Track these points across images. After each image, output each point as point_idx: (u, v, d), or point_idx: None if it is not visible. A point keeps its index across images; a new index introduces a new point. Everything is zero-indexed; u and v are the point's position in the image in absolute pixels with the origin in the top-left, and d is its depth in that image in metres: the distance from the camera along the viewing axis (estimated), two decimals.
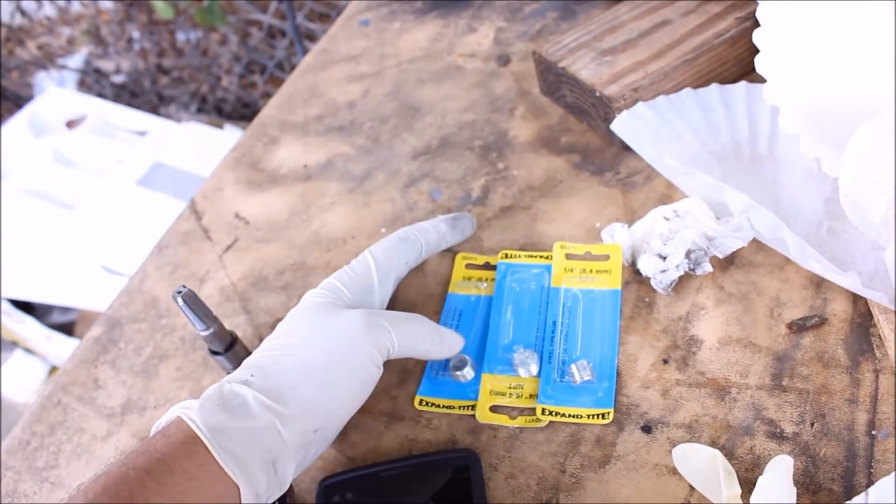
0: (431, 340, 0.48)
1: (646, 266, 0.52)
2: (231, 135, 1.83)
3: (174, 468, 0.38)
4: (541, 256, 0.56)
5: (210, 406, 0.41)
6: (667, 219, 0.52)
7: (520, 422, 0.47)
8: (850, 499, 0.38)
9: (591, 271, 0.53)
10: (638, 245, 0.53)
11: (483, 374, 0.50)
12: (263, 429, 0.41)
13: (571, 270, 0.54)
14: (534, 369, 0.49)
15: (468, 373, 0.50)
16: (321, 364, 0.44)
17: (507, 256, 0.56)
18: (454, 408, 0.49)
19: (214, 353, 0.52)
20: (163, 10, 1.77)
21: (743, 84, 0.60)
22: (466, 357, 0.50)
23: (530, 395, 0.48)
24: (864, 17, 0.51)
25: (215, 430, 0.39)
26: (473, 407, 0.49)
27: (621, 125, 0.57)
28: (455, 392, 0.50)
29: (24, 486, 0.54)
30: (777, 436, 0.43)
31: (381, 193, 0.66)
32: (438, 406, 0.50)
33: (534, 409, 0.48)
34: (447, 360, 0.51)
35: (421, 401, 0.50)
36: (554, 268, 0.54)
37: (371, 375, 0.46)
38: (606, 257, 0.54)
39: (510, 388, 0.49)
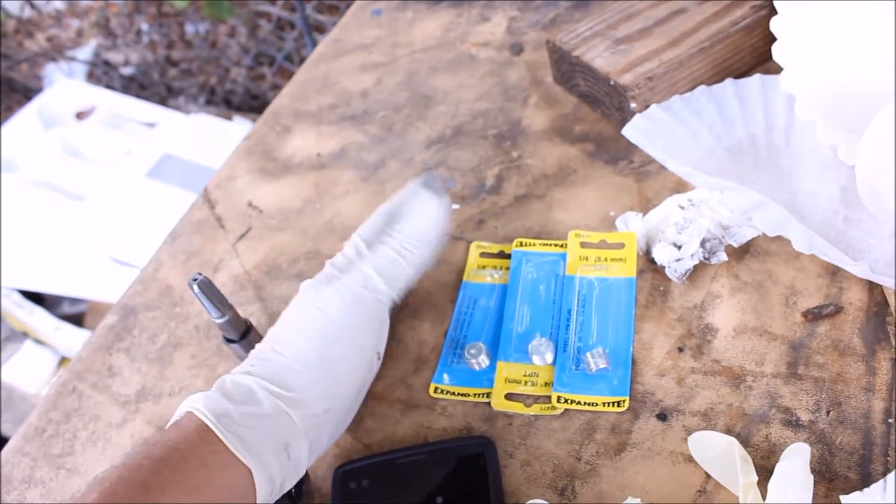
0: (425, 255, 0.50)
1: (661, 255, 0.52)
2: (240, 127, 1.83)
3: (188, 456, 0.38)
4: (555, 245, 0.56)
5: (216, 396, 0.41)
6: (682, 207, 0.52)
7: (535, 409, 0.47)
8: (866, 486, 0.38)
9: (606, 259, 0.53)
10: (652, 233, 0.53)
11: (498, 362, 0.50)
12: (271, 413, 0.41)
13: (586, 259, 0.54)
14: (549, 357, 0.49)
15: (483, 360, 0.50)
16: (316, 345, 0.44)
17: (521, 245, 0.56)
18: (469, 395, 0.49)
19: (229, 340, 0.53)
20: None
21: (757, 76, 0.60)
22: (482, 344, 0.50)
23: (545, 383, 0.48)
24: (881, 3, 0.51)
25: (223, 417, 0.40)
26: (488, 395, 0.49)
27: (633, 129, 0.57)
28: (470, 380, 0.50)
29: (41, 472, 0.54)
30: (793, 424, 0.43)
31: (395, 182, 0.66)
32: (454, 394, 0.50)
33: (549, 397, 0.48)
34: (462, 349, 0.51)
35: (436, 388, 0.50)
36: (569, 256, 0.54)
37: (364, 345, 0.46)
38: (621, 245, 0.54)
39: (525, 375, 0.49)
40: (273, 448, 0.40)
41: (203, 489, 0.38)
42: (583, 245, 0.55)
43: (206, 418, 0.40)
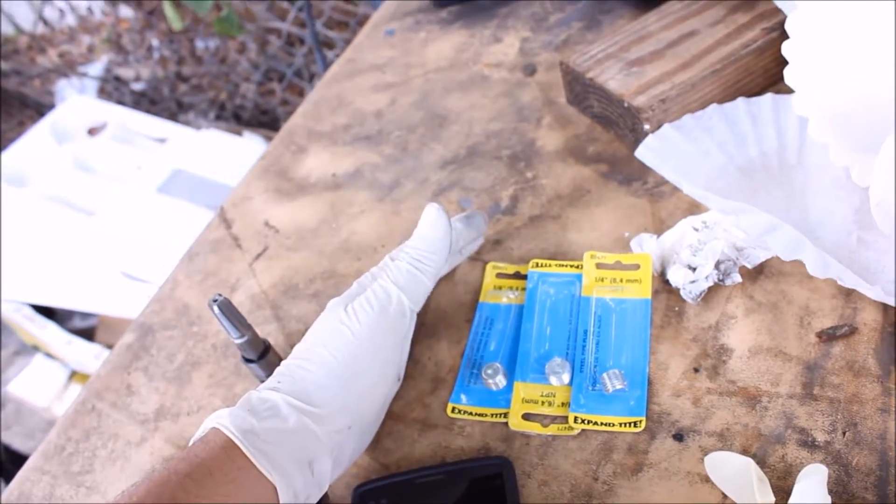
0: (439, 265, 0.50)
1: (675, 277, 0.52)
2: (250, 142, 1.84)
3: (214, 471, 0.39)
4: (571, 265, 0.56)
5: (241, 413, 0.42)
6: (696, 229, 0.52)
7: (552, 430, 0.48)
8: None
9: (621, 280, 0.54)
10: (667, 255, 0.54)
11: (515, 383, 0.50)
12: (296, 430, 0.42)
13: (602, 280, 0.54)
14: (566, 378, 0.50)
15: (500, 381, 0.51)
16: (341, 360, 0.45)
17: (537, 265, 0.57)
18: (486, 415, 0.50)
19: (248, 360, 0.53)
20: (174, 20, 1.78)
21: (769, 96, 0.61)
22: (498, 365, 0.51)
23: (562, 404, 0.49)
24: (894, 26, 0.51)
25: (248, 433, 0.40)
26: (506, 415, 0.49)
27: (646, 150, 0.57)
28: (487, 400, 0.51)
29: (61, 490, 0.55)
30: (809, 444, 0.44)
31: (411, 202, 0.67)
32: (471, 414, 0.50)
33: (566, 417, 0.48)
34: (479, 369, 0.52)
35: (454, 408, 0.51)
36: (584, 277, 0.55)
37: (389, 359, 0.47)
38: (636, 267, 0.54)
39: (542, 396, 0.50)
40: (297, 464, 0.41)
41: None
42: (598, 266, 0.55)
43: (231, 434, 0.40)
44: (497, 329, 0.54)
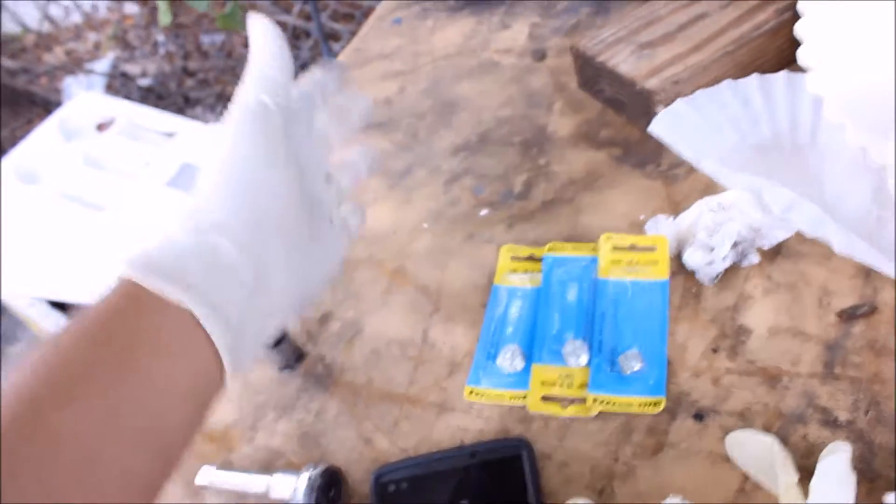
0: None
1: (692, 259, 0.52)
2: None
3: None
4: (586, 248, 0.56)
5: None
6: (712, 211, 0.52)
7: (570, 411, 0.48)
8: None
9: (638, 262, 0.54)
10: (683, 237, 0.53)
11: (533, 365, 0.50)
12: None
13: (619, 262, 0.54)
14: (583, 359, 0.49)
15: (518, 363, 0.51)
16: (219, 169, 0.38)
17: (553, 248, 0.57)
18: (504, 398, 0.50)
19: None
20: (163, 14, 1.76)
21: (783, 73, 0.60)
22: (516, 347, 0.51)
23: (581, 385, 0.49)
24: None
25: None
26: (524, 397, 0.49)
27: (660, 125, 0.57)
28: (505, 382, 0.50)
29: None
30: (831, 423, 0.44)
31: (423, 190, 0.67)
32: (489, 396, 0.50)
33: (584, 399, 0.48)
34: (497, 351, 0.52)
35: (471, 391, 0.51)
36: (601, 259, 0.55)
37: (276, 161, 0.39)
38: (653, 248, 0.54)
39: (560, 377, 0.49)
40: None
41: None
42: (615, 248, 0.55)
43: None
44: (512, 312, 0.54)
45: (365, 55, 0.87)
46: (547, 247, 0.57)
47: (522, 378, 0.50)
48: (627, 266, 0.54)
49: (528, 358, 0.51)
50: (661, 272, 0.53)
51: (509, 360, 0.50)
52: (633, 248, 0.55)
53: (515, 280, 0.56)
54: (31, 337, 1.68)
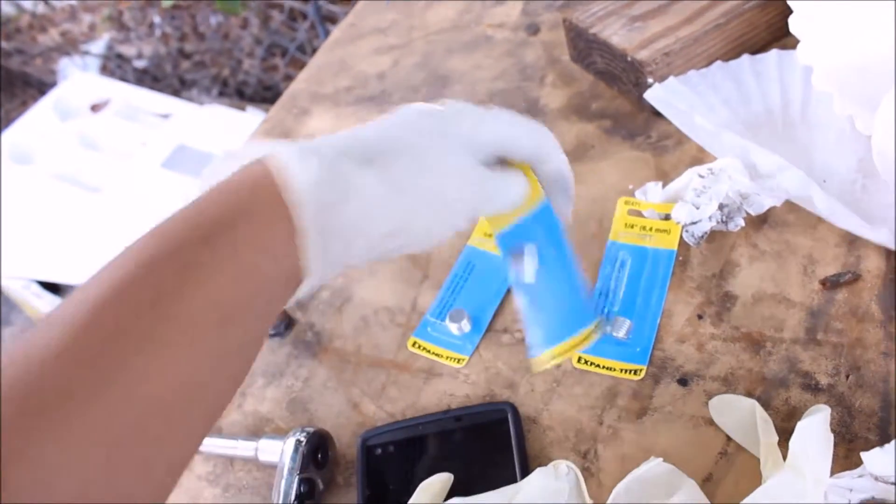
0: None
1: (679, 213, 0.52)
2: (253, 117, 1.84)
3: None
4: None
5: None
6: (702, 176, 0.52)
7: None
8: None
9: (650, 229, 0.54)
10: (672, 202, 0.53)
11: None
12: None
13: (632, 226, 0.54)
14: None
15: (465, 325, 0.52)
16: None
17: None
18: (441, 357, 0.52)
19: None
20: None
21: (774, 52, 0.60)
22: (462, 310, 0.52)
23: None
24: None
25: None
26: (458, 360, 0.51)
27: (653, 96, 0.57)
28: (447, 343, 0.53)
29: None
30: (812, 387, 0.44)
31: None
32: (429, 352, 0.53)
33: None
34: (446, 311, 0.53)
35: (414, 343, 0.53)
36: (614, 222, 0.55)
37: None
38: (667, 217, 0.54)
39: None
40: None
41: None
42: (630, 213, 0.55)
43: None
44: (483, 276, 0.55)
45: (359, 30, 0.87)
46: None
47: (467, 340, 0.52)
48: (640, 231, 0.54)
49: (476, 323, 0.52)
50: (672, 241, 0.53)
51: (456, 321, 0.52)
52: (649, 214, 0.55)
53: (493, 246, 0.56)
54: (25, 320, 1.68)
